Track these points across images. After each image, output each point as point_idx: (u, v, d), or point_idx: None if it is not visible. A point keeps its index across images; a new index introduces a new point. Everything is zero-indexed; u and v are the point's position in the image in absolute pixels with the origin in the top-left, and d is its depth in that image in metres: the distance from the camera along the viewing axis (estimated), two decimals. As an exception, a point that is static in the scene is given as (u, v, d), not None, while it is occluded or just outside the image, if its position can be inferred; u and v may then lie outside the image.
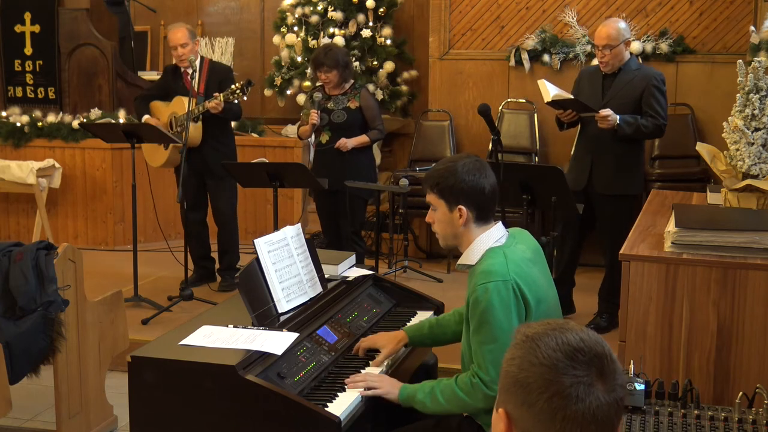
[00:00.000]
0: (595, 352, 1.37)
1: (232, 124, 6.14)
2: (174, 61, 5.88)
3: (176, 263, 5.99)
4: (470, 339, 2.69)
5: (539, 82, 5.03)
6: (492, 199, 2.75)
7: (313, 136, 5.85)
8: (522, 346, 1.40)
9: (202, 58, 5.91)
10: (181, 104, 5.69)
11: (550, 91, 4.87)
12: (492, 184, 2.75)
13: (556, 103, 4.94)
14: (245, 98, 5.60)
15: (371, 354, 3.06)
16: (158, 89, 6.07)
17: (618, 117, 4.84)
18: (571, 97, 4.93)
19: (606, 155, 5.00)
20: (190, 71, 5.62)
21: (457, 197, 2.71)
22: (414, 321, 3.44)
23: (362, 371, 2.93)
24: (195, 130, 5.72)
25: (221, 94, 5.52)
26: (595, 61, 5.32)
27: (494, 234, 2.75)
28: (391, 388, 2.79)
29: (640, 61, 6.07)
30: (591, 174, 5.02)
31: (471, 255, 2.75)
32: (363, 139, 5.65)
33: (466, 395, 2.65)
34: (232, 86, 5.52)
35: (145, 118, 5.91)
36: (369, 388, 2.79)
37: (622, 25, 5.03)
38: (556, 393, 1.34)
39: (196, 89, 5.57)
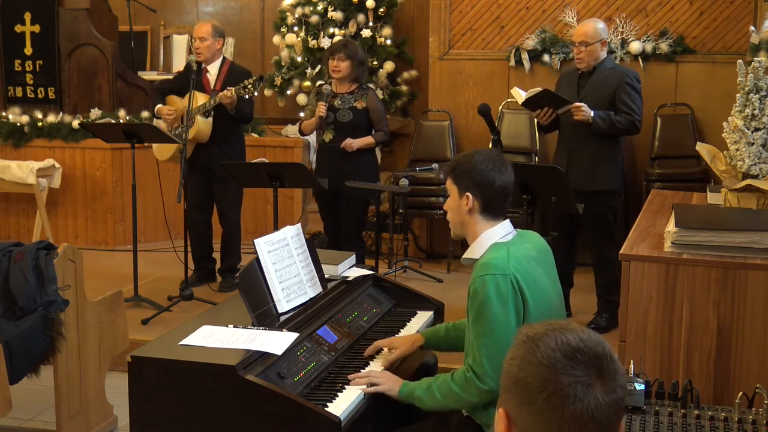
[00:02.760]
0: (594, 353, 1.37)
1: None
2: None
3: (176, 263, 5.98)
4: (468, 331, 2.71)
5: (512, 90, 5.14)
6: (502, 195, 2.77)
7: (314, 134, 5.83)
8: (522, 347, 1.41)
9: (224, 58, 5.94)
10: (195, 99, 5.69)
11: (522, 94, 4.98)
12: (505, 181, 2.78)
13: (530, 103, 5.01)
14: (256, 93, 5.61)
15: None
16: (177, 83, 6.05)
17: (593, 112, 4.93)
18: (540, 89, 4.97)
19: (581, 151, 5.06)
20: (205, 68, 5.73)
21: (466, 184, 2.75)
22: (414, 321, 3.45)
23: (363, 371, 2.93)
24: (206, 126, 5.73)
25: (233, 88, 5.53)
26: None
27: (500, 231, 2.77)
28: (393, 385, 2.81)
29: (649, 63, 6.07)
30: (567, 171, 5.04)
31: (476, 249, 2.77)
32: (368, 140, 5.64)
33: (461, 390, 2.66)
34: (245, 81, 5.54)
35: (159, 107, 5.92)
36: (371, 385, 2.80)
37: (601, 25, 5.16)
38: (554, 392, 1.34)
39: (190, 89, 5.56)
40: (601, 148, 5.04)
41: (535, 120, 5.25)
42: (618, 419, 1.38)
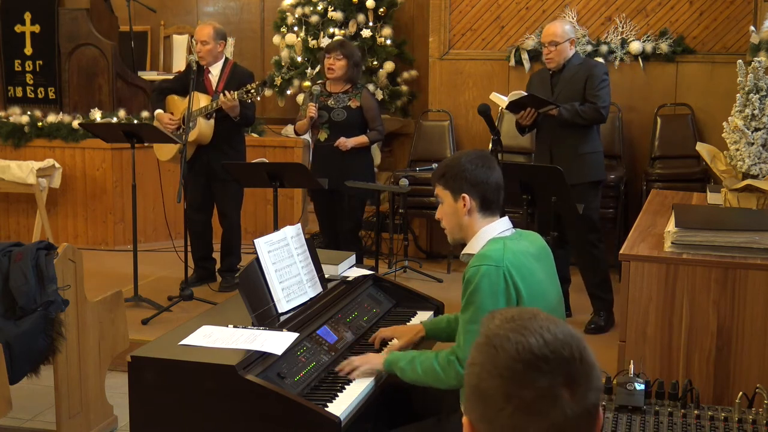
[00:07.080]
0: (561, 358, 1.25)
1: None
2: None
3: (176, 263, 5.98)
4: (460, 316, 2.76)
5: (490, 96, 5.21)
6: (496, 191, 2.79)
7: (309, 133, 5.83)
8: (482, 350, 1.30)
9: (226, 59, 5.94)
10: (197, 100, 5.68)
11: (503, 98, 5.04)
12: (497, 177, 2.80)
13: (514, 105, 5.05)
14: (259, 98, 5.61)
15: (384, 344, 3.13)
16: (177, 83, 6.03)
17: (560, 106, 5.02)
18: (524, 93, 5.04)
19: (563, 147, 5.08)
20: (207, 69, 5.71)
21: (461, 185, 2.77)
22: (414, 321, 3.46)
23: (344, 360, 2.95)
24: (207, 128, 5.72)
25: (235, 92, 5.53)
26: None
27: (499, 226, 2.80)
28: (376, 361, 2.88)
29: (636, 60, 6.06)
30: None
31: (474, 245, 2.79)
32: (362, 139, 5.62)
33: (442, 370, 2.72)
34: (247, 86, 5.53)
35: (158, 112, 5.90)
36: (354, 370, 2.85)
37: (568, 26, 5.25)
38: (517, 408, 1.24)
39: (190, 90, 5.55)
40: (582, 140, 5.06)
41: (515, 121, 5.26)
42: (590, 424, 1.28)
